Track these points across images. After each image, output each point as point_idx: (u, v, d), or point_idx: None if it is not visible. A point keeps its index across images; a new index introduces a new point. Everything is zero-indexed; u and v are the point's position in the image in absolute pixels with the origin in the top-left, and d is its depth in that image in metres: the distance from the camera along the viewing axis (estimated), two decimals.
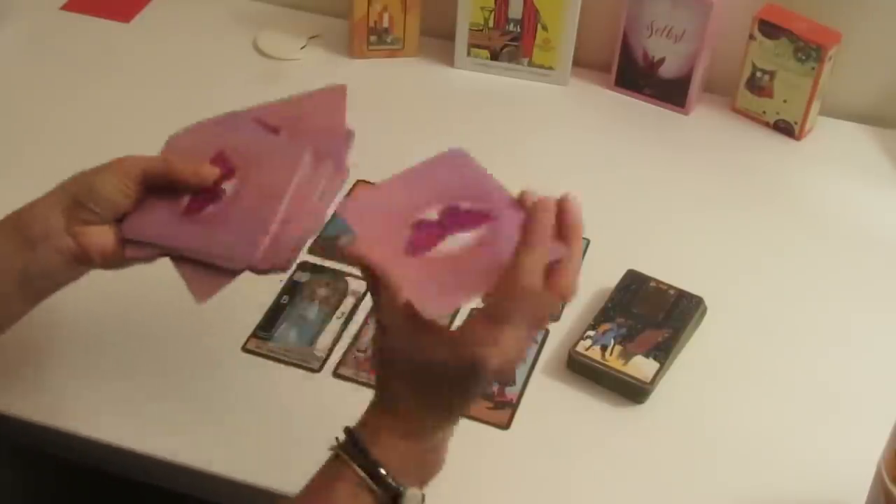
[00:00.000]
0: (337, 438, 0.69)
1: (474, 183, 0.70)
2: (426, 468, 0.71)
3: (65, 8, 1.35)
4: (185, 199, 0.78)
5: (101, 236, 0.76)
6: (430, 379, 0.67)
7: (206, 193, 0.77)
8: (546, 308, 0.67)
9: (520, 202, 0.68)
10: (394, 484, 0.66)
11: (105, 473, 0.91)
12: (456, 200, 0.69)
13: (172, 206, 0.77)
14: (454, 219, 0.69)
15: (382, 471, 0.66)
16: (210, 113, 1.19)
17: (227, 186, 0.78)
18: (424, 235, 0.68)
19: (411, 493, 0.67)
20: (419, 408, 0.68)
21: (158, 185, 0.77)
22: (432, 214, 0.69)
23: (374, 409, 0.70)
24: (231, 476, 0.84)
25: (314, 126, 0.80)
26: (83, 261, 0.76)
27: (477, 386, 0.66)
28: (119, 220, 0.77)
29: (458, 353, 0.64)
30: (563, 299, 0.66)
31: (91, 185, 0.76)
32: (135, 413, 0.88)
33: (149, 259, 0.77)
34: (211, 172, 0.77)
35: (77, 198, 0.76)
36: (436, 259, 0.67)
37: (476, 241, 0.67)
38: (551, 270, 0.65)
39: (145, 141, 1.16)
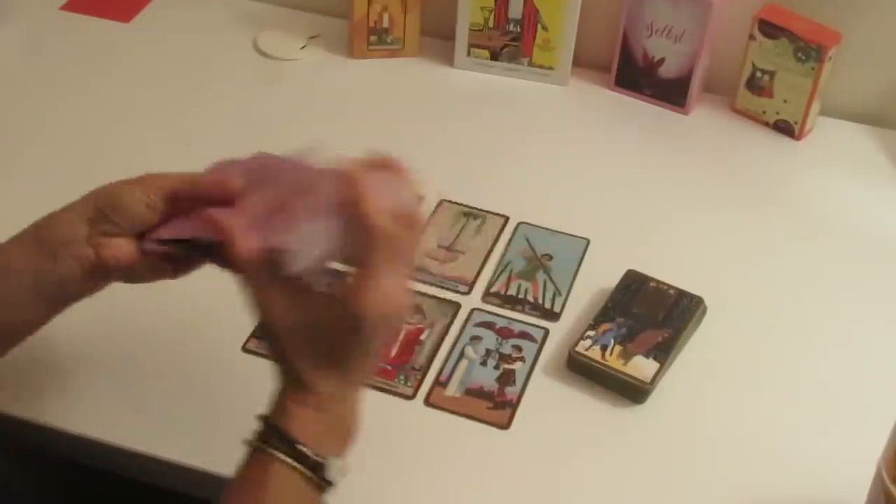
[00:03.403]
0: (255, 431, 0.70)
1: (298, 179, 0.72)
2: (341, 437, 0.71)
3: (65, 8, 1.35)
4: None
5: (122, 248, 0.74)
6: (319, 339, 0.68)
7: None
8: (406, 245, 0.69)
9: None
10: (315, 457, 0.68)
11: (105, 473, 0.91)
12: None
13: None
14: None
15: (303, 448, 0.67)
16: (210, 113, 1.20)
17: None
18: None
19: (334, 463, 0.69)
20: (319, 376, 0.69)
21: (184, 201, 0.75)
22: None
23: (280, 389, 0.71)
24: (231, 475, 0.84)
25: None
26: (101, 272, 0.75)
27: (363, 337, 0.68)
28: (142, 235, 0.75)
29: (338, 307, 0.67)
30: (415, 230, 0.69)
31: (116, 197, 0.75)
32: (134, 413, 0.88)
33: (168, 254, 0.75)
34: (236, 185, 0.74)
35: (101, 208, 0.74)
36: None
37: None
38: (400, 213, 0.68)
39: (145, 141, 1.17)
